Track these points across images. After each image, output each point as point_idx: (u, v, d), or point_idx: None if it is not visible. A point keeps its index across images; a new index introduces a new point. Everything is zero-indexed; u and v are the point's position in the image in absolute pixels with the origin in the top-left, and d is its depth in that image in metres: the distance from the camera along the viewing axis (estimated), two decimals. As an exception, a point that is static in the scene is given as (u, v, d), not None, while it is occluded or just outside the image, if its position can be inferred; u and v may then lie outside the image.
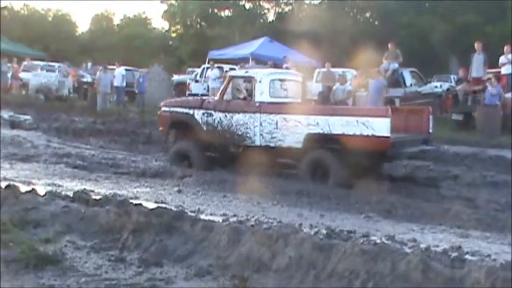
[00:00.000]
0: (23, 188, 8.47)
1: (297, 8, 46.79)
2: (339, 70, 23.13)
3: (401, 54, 20.75)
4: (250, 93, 11.75)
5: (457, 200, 9.57)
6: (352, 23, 41.68)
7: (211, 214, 7.84)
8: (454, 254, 5.74)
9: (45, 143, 15.40)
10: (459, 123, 19.09)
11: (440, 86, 22.95)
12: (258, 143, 11.36)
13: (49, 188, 9.04)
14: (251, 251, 5.53)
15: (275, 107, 11.36)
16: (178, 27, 54.52)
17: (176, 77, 32.76)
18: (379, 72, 18.30)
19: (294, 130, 10.96)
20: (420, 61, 27.09)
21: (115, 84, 25.70)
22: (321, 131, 10.75)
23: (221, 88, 12.35)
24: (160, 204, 7.88)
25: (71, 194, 8.25)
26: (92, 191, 9.12)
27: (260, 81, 11.58)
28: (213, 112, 11.85)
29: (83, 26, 68.68)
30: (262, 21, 46.54)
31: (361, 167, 10.47)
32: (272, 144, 11.22)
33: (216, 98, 12.17)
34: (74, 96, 28.97)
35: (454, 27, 34.69)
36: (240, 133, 11.55)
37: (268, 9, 49.96)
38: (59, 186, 9.65)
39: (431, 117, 11.49)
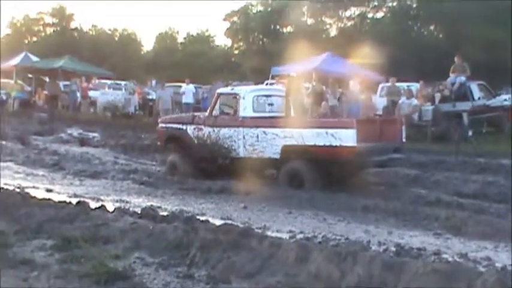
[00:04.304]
0: (93, 205, 8.66)
1: (360, 22, 46.44)
2: (404, 84, 22.82)
3: (468, 67, 20.32)
4: (235, 108, 12.54)
5: (532, 217, 9.21)
6: (416, 36, 41.12)
7: (277, 231, 7.80)
8: (532, 274, 5.51)
9: (113, 160, 15.75)
10: (530, 137, 18.43)
11: (510, 99, 22.25)
12: (242, 154, 12.27)
13: (117, 204, 9.22)
14: (320, 268, 5.44)
15: (256, 121, 12.25)
16: (241, 44, 55.01)
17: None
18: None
19: (272, 142, 11.86)
20: (488, 73, 26.40)
21: (184, 101, 26.14)
22: (295, 143, 11.57)
23: (211, 104, 13.26)
24: (227, 221, 7.90)
25: (138, 210, 8.39)
26: (159, 207, 9.24)
27: (244, 98, 12.51)
28: (203, 127, 12.87)
29: (147, 44, 69.87)
30: (324, 36, 46.35)
31: (337, 175, 11.40)
32: (254, 156, 12.07)
33: (206, 114, 13.07)
34: (139, 113, 29.51)
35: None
36: (226, 146, 12.49)
37: (330, 24, 49.76)
38: (127, 202, 9.83)
39: (403, 127, 12.32)
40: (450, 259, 6.22)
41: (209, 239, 6.28)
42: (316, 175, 11.29)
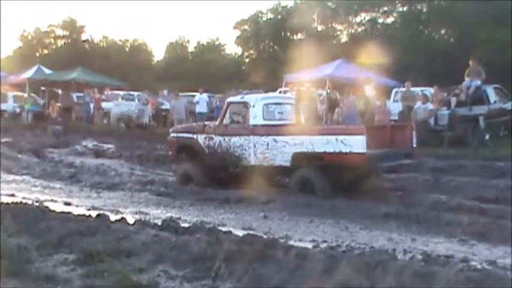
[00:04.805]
0: (113, 217, 8.60)
1: (370, 28, 46.26)
2: (418, 89, 22.70)
3: (483, 71, 20.14)
4: (245, 117, 12.59)
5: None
6: (426, 40, 40.91)
7: (300, 240, 7.71)
8: None
9: (129, 171, 15.72)
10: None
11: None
12: (252, 163, 12.29)
13: (137, 217, 9.16)
14: (348, 278, 5.34)
15: (266, 129, 12.25)
16: (252, 52, 54.94)
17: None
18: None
19: (282, 150, 11.87)
20: (503, 77, 26.19)
21: (198, 110, 26.13)
22: (306, 150, 11.58)
23: (221, 113, 13.32)
24: (248, 231, 7.81)
25: (159, 222, 8.31)
26: (179, 218, 9.18)
27: (253, 106, 12.56)
28: (213, 136, 12.88)
29: (158, 54, 69.85)
30: (335, 42, 46.23)
31: (348, 181, 11.42)
32: (265, 164, 12.10)
33: (217, 123, 13.10)
34: (153, 123, 29.50)
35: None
36: (237, 154, 12.49)
37: (341, 30, 49.65)
38: (146, 214, 9.78)
39: (414, 132, 12.23)
40: (479, 266, 6.08)
41: (233, 251, 6.19)
42: (326, 182, 11.33)
